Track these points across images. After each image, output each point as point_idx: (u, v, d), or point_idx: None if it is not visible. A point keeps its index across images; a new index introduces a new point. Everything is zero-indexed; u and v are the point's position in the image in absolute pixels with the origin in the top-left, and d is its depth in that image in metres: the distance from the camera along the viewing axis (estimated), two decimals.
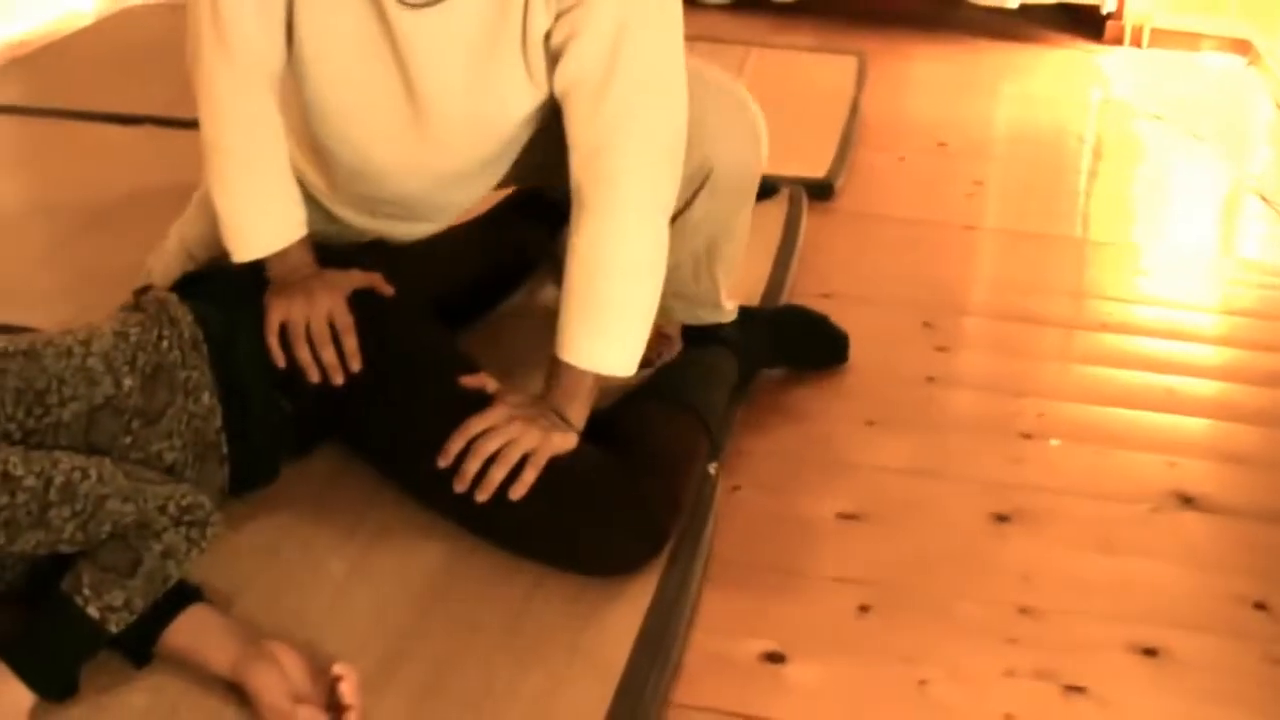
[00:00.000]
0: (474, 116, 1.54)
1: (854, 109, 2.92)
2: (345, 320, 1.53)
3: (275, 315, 1.52)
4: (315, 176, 1.68)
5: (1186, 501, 1.66)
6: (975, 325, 2.08)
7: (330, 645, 1.31)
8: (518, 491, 1.42)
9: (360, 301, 1.56)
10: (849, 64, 3.25)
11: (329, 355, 1.52)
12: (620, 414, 1.59)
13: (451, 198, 1.70)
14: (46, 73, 3.08)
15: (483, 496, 1.42)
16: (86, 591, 1.24)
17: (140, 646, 1.29)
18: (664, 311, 1.70)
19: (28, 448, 1.31)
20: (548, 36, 1.46)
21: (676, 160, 1.50)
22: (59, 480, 1.27)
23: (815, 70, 3.24)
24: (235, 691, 1.26)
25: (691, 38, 1.53)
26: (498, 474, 1.42)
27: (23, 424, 1.33)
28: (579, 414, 1.50)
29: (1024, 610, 1.46)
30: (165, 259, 1.81)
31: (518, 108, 1.52)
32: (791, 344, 1.88)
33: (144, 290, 1.58)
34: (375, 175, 1.62)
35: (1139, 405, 1.87)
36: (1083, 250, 2.39)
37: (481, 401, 1.48)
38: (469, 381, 1.50)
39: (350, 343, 1.52)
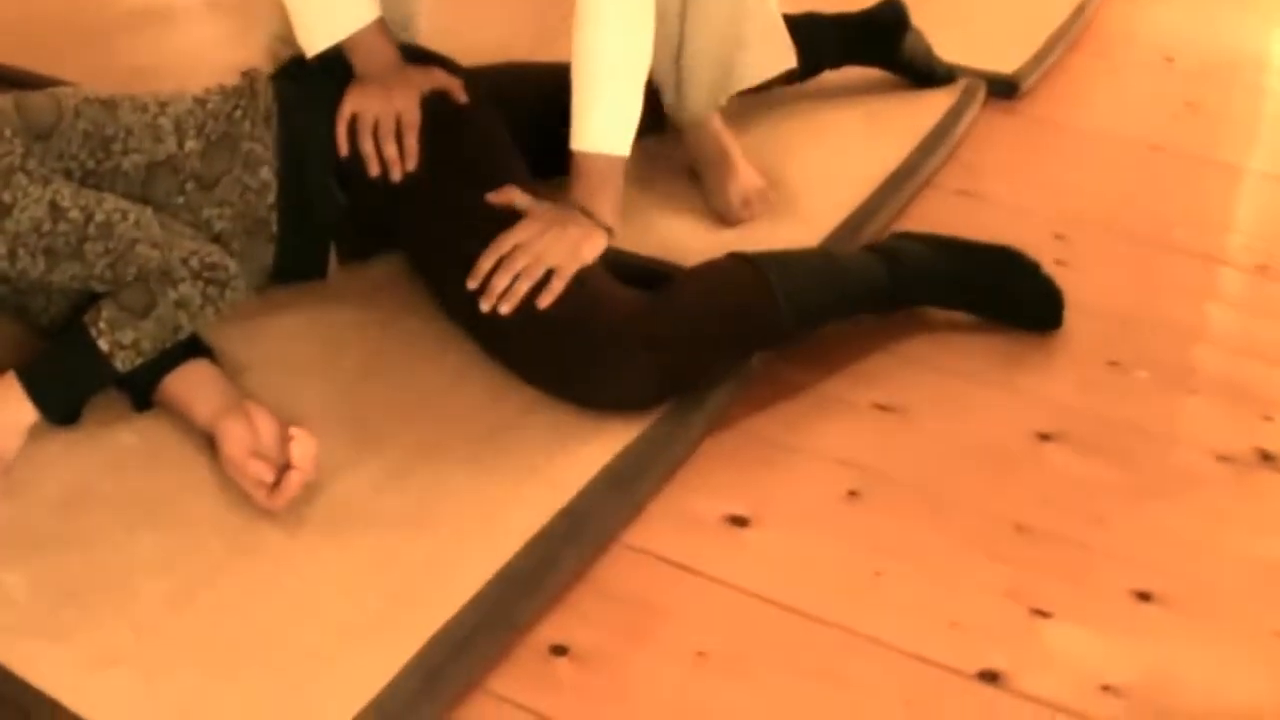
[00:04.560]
0: None
1: (1079, 10, 2.82)
2: (412, 118, 1.64)
3: (349, 105, 1.65)
4: None
5: (1266, 458, 1.60)
6: (1110, 245, 2.01)
7: (312, 423, 1.43)
8: (544, 300, 1.50)
9: (434, 105, 1.66)
10: None
11: (390, 150, 1.63)
12: (703, 268, 1.64)
13: None
14: None
15: (506, 308, 1.51)
16: (102, 325, 1.41)
17: (143, 392, 1.47)
18: (739, 80, 1.89)
19: (85, 188, 1.48)
20: None
21: None
22: (99, 218, 1.43)
23: None
24: (213, 445, 1.42)
25: None
26: (522, 287, 1.51)
27: (84, 164, 1.50)
28: (607, 208, 1.59)
29: (1021, 528, 1.46)
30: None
31: None
32: (983, 285, 1.76)
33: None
34: None
35: (1262, 358, 1.80)
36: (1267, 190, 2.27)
37: (515, 217, 1.57)
38: (495, 199, 1.59)
39: (411, 141, 1.63)
